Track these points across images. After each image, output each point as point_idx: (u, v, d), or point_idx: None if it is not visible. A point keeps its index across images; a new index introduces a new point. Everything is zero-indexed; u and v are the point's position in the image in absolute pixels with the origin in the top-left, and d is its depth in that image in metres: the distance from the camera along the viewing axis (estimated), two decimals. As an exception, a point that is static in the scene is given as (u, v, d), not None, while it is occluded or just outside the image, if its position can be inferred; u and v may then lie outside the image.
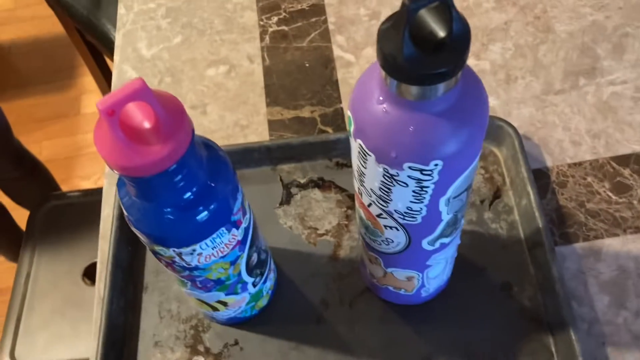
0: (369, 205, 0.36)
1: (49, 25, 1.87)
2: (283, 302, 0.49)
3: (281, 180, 0.55)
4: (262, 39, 0.65)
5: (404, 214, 0.34)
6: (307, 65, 0.62)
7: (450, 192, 0.33)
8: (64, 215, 0.96)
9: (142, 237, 0.37)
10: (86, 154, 1.66)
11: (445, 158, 0.30)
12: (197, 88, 0.62)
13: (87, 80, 1.75)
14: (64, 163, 1.64)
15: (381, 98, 0.30)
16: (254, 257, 0.43)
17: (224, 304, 0.44)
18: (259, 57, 0.64)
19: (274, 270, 0.49)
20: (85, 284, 0.87)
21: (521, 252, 0.50)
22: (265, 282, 0.46)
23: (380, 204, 0.35)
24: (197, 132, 0.45)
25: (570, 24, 0.62)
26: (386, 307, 0.48)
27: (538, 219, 0.48)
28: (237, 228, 0.38)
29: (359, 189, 0.36)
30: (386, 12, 0.65)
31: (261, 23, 0.66)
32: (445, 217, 0.35)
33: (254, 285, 0.45)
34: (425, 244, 0.38)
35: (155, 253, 0.38)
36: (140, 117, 0.31)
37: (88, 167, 1.63)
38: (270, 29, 0.65)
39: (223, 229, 0.37)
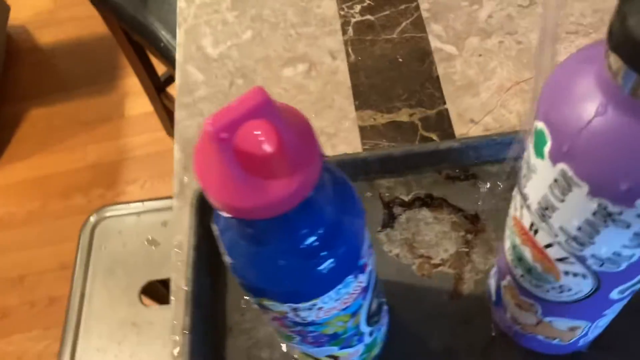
0: (549, 246, 0.27)
1: (90, 26, 1.82)
2: (397, 350, 0.40)
3: (381, 197, 0.46)
4: (344, 32, 0.56)
5: (605, 260, 0.25)
6: (400, 60, 0.54)
7: (680, 231, 0.24)
8: (114, 230, 0.89)
9: (247, 287, 0.29)
10: (131, 157, 1.60)
11: (701, 190, 0.21)
12: (273, 91, 0.53)
13: (131, 82, 1.69)
14: (109, 167, 1.59)
15: (604, 105, 0.21)
16: (374, 302, 0.34)
17: (335, 358, 0.36)
18: (343, 52, 0.55)
19: (386, 311, 0.40)
20: (143, 304, 0.80)
21: (691, 285, 0.40)
22: (380, 328, 0.38)
23: (572, 247, 0.26)
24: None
25: None
26: (528, 356, 0.39)
27: None
28: (363, 273, 0.30)
29: (532, 224, 0.27)
30: (490, -5, 0.56)
31: (342, 13, 0.57)
32: (656, 261, 0.26)
33: (370, 335, 0.36)
34: (615, 293, 0.29)
35: (261, 306, 0.30)
36: (260, 140, 0.22)
37: (134, 171, 1.57)
38: (354, 19, 0.57)
39: (351, 276, 0.28)
